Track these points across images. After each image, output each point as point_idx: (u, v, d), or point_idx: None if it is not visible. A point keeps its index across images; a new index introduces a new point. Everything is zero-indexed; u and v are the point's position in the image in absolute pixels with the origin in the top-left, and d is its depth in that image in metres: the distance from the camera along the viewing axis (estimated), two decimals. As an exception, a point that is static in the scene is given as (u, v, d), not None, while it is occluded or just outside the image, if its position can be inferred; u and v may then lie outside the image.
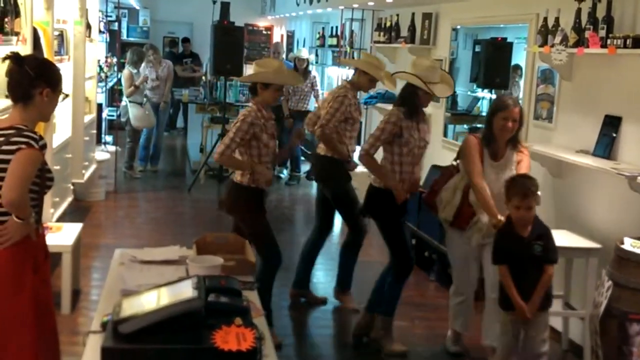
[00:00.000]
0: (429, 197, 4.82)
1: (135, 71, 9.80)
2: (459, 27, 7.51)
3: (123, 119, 9.93)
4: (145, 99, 9.89)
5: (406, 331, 5.27)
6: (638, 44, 4.34)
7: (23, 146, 3.00)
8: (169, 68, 10.54)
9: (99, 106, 9.41)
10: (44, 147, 3.09)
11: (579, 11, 4.90)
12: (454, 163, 4.73)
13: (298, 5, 12.19)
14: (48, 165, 3.28)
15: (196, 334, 2.56)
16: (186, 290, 2.69)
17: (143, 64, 9.98)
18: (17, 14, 4.85)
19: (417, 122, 4.73)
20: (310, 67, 10.52)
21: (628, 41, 4.38)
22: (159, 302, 2.65)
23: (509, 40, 6.74)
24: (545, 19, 5.30)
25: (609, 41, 4.54)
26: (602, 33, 4.62)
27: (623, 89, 4.81)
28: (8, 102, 3.47)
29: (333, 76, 11.93)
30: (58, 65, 6.32)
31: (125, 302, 2.72)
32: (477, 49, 7.28)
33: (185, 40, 14.53)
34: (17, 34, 4.86)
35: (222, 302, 2.74)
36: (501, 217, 4.24)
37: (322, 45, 11.99)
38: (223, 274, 3.24)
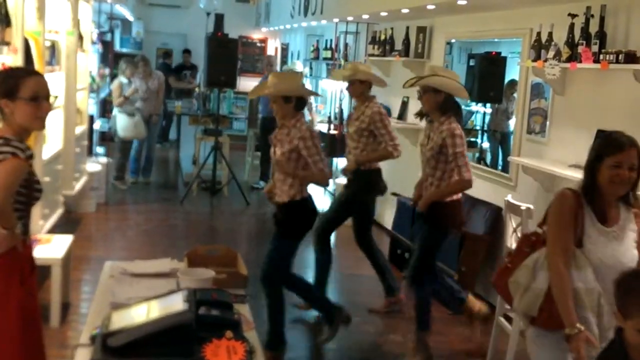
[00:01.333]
0: (498, 279, 3.37)
1: (125, 81, 9.76)
2: (453, 41, 7.52)
3: (112, 130, 9.91)
4: (136, 111, 9.83)
5: (399, 346, 5.25)
6: (630, 59, 4.36)
7: (9, 156, 2.98)
8: (159, 80, 10.49)
9: (91, 117, 9.38)
10: (30, 157, 3.06)
11: (572, 26, 4.92)
12: (539, 230, 3.25)
13: (292, 17, 12.21)
14: (36, 176, 3.24)
15: (186, 347, 2.54)
16: (177, 303, 2.68)
17: (135, 78, 9.97)
18: (8, 23, 4.84)
19: (427, 129, 4.93)
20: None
21: (620, 56, 4.39)
22: (149, 315, 2.63)
23: (503, 54, 6.76)
24: (539, 34, 5.31)
25: (601, 56, 4.55)
26: (595, 48, 4.64)
27: (615, 104, 4.82)
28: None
29: (327, 89, 11.93)
30: (49, 75, 6.37)
31: (114, 315, 2.70)
32: (472, 62, 7.30)
33: (186, 52, 14.56)
34: (7, 44, 4.84)
35: (213, 315, 2.73)
36: (580, 326, 2.88)
37: (317, 58, 12.00)
38: (214, 286, 3.22)
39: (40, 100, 3.09)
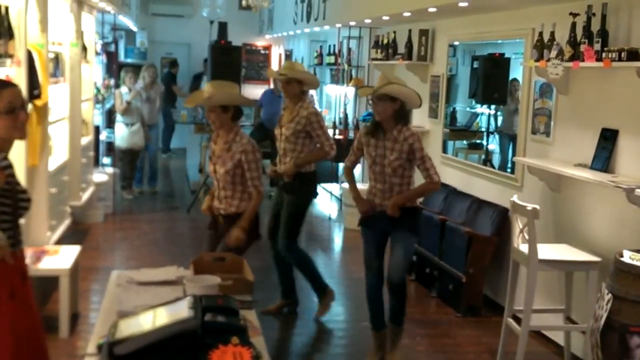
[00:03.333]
0: None
1: (126, 91, 9.71)
2: (456, 43, 7.52)
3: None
4: (137, 120, 9.79)
5: (408, 348, 5.23)
6: (633, 56, 4.34)
7: None
8: (160, 91, 10.49)
9: (96, 128, 9.40)
10: (5, 167, 3.01)
11: (573, 25, 4.91)
12: None
13: (295, 24, 12.23)
14: (21, 186, 3.19)
15: (193, 354, 2.54)
16: (182, 310, 2.67)
17: (139, 82, 9.97)
18: (11, 36, 4.85)
19: (381, 140, 4.75)
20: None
21: (623, 54, 4.38)
22: (155, 322, 2.63)
23: (506, 55, 6.74)
24: (541, 34, 5.31)
25: (604, 54, 4.54)
26: (597, 47, 4.63)
27: (619, 102, 4.81)
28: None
29: (331, 94, 11.96)
30: (53, 87, 6.39)
31: (121, 324, 2.70)
32: (475, 65, 7.29)
33: (206, 61, 14.69)
34: (11, 56, 4.85)
35: (219, 322, 2.72)
36: None
37: (320, 64, 12.01)
38: (220, 293, 3.22)
39: (17, 110, 3.07)
